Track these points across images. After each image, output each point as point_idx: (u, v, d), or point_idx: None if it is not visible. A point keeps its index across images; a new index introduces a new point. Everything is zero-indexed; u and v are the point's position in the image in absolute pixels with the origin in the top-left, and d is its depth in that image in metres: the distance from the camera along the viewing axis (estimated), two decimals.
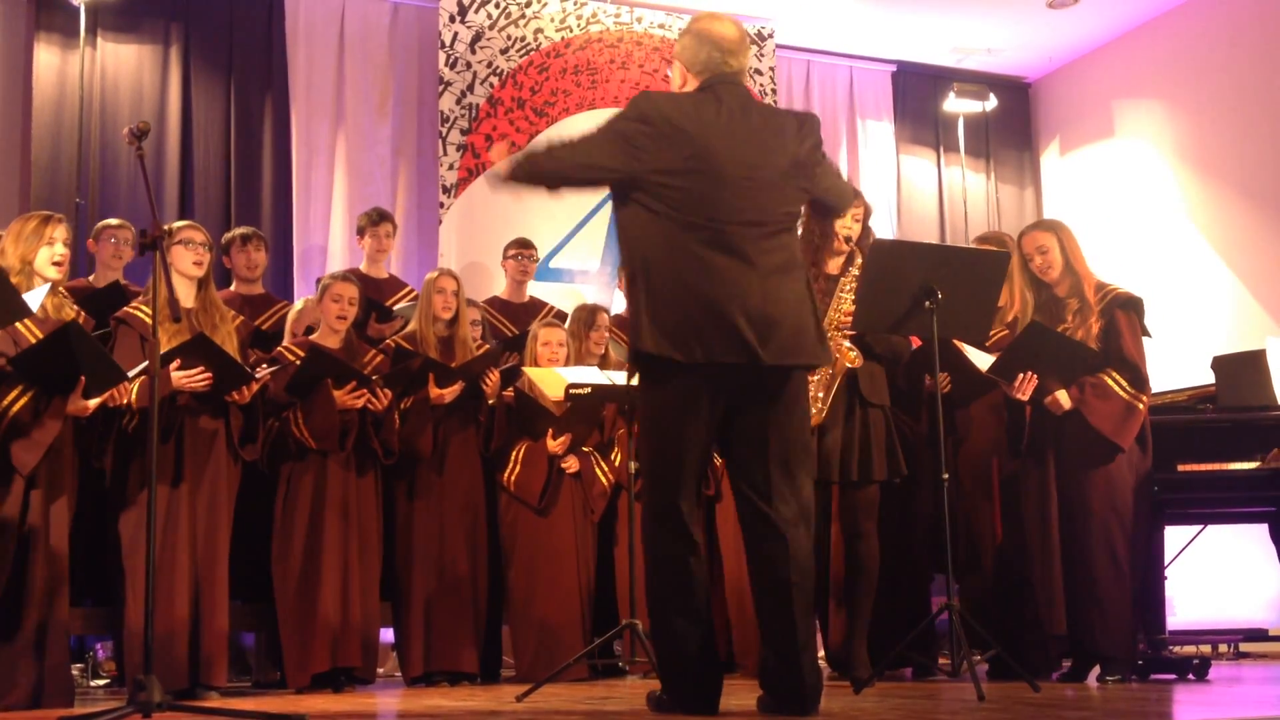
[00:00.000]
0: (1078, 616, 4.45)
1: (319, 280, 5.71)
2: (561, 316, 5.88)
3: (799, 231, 3.45)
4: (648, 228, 3.25)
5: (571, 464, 5.30)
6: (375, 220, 6.19)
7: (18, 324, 4.06)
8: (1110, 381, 4.46)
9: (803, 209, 3.53)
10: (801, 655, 3.18)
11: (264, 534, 4.92)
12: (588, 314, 5.66)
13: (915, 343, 4.81)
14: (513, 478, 5.24)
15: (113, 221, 5.61)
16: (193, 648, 4.47)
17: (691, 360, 3.17)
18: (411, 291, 6.19)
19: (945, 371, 4.47)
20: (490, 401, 5.26)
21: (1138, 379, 4.47)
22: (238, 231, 5.89)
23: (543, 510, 5.23)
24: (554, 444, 5.25)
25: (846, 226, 4.57)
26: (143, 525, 4.30)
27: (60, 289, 4.33)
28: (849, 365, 4.40)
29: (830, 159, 3.57)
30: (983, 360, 4.56)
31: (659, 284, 3.22)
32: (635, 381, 3.44)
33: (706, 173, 3.22)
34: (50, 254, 4.19)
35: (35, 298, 3.95)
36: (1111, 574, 4.41)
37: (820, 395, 4.40)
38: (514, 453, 5.27)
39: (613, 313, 6.03)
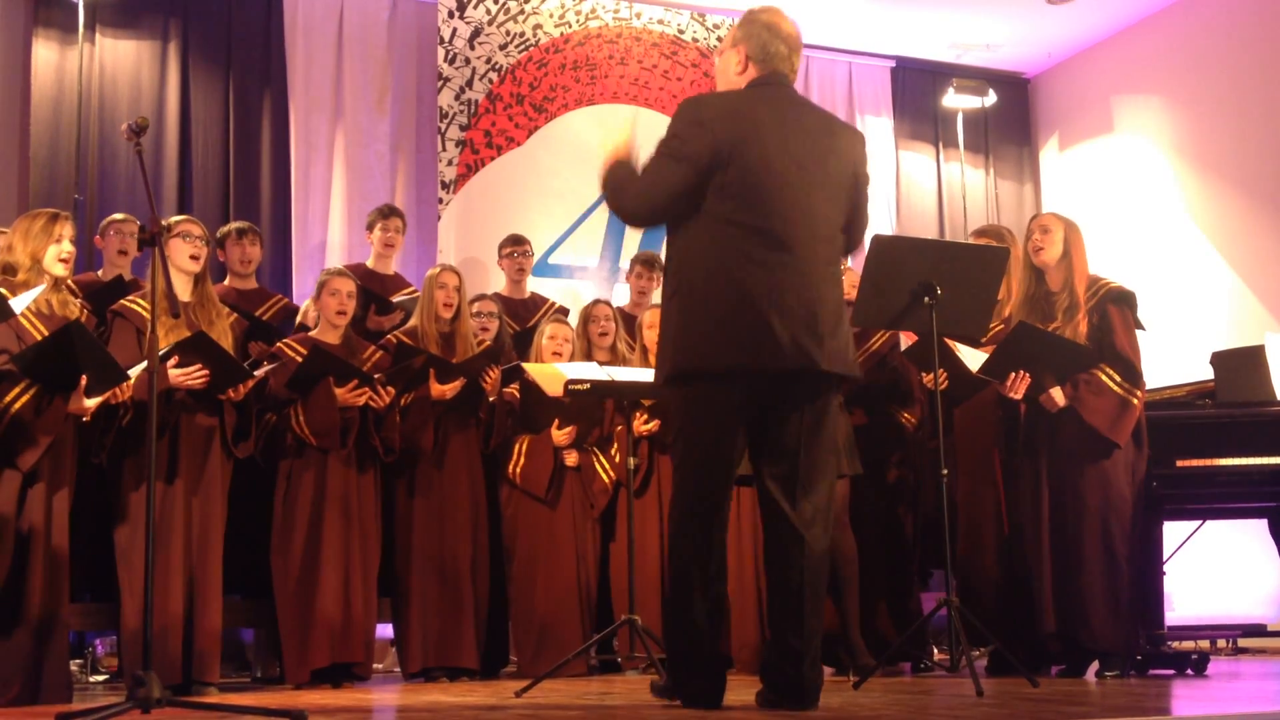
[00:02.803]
0: (1072, 613, 4.45)
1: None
2: (564, 312, 5.88)
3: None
4: (697, 231, 3.22)
5: (573, 456, 5.30)
6: (386, 214, 6.20)
7: (23, 321, 4.07)
8: (1104, 377, 4.45)
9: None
10: (805, 652, 3.20)
11: (262, 530, 4.92)
12: (586, 309, 5.64)
13: (911, 338, 4.81)
14: (518, 470, 5.24)
15: (118, 216, 5.61)
16: (187, 644, 4.47)
17: (732, 368, 3.15)
18: (414, 290, 6.19)
19: (941, 368, 4.48)
20: (491, 399, 5.26)
21: (1131, 374, 4.46)
22: (233, 226, 5.87)
23: (547, 503, 5.23)
24: (559, 435, 5.25)
25: None
26: (139, 522, 4.30)
27: (65, 286, 4.34)
28: None
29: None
30: (974, 359, 4.56)
31: (705, 292, 3.18)
32: (672, 393, 3.36)
33: (758, 169, 3.20)
34: (58, 251, 4.21)
35: (22, 302, 3.93)
36: (1106, 570, 4.41)
37: None
38: (517, 445, 5.27)
39: (615, 305, 6.01)
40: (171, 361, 4.33)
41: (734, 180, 3.19)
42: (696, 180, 3.21)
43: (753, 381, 3.18)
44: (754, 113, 3.27)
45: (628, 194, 3.30)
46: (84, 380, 4.01)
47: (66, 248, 4.23)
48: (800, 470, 3.24)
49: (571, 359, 5.27)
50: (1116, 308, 4.52)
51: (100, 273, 5.51)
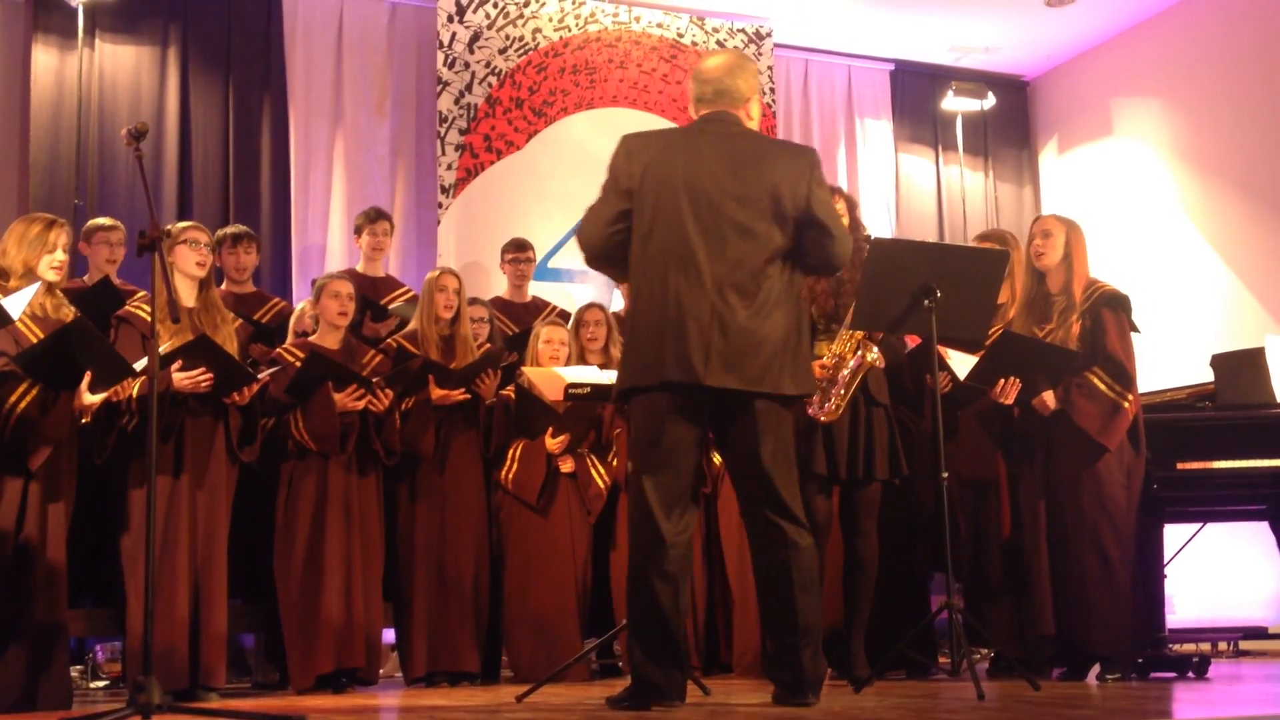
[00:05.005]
0: (1070, 616, 4.45)
1: (314, 282, 5.70)
2: (565, 316, 5.87)
3: (782, 259, 3.46)
4: (634, 259, 3.46)
5: (567, 463, 5.29)
6: (373, 218, 6.20)
7: (18, 324, 4.06)
8: (1095, 380, 4.45)
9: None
10: (801, 642, 3.31)
11: (264, 535, 4.91)
12: (577, 313, 5.64)
13: (913, 341, 4.81)
14: (510, 476, 5.24)
15: (104, 222, 5.57)
16: (193, 649, 4.46)
17: (649, 382, 3.36)
18: (407, 291, 6.18)
19: (943, 371, 4.48)
20: (489, 402, 5.26)
21: (1123, 377, 4.45)
22: (228, 231, 5.81)
23: (539, 509, 5.23)
24: (552, 443, 5.24)
25: None
26: (142, 526, 4.30)
27: (57, 290, 4.33)
28: (874, 364, 4.39)
29: (831, 202, 3.60)
30: (963, 365, 4.55)
31: (635, 317, 3.46)
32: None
33: (674, 198, 3.40)
34: (51, 260, 4.20)
35: (18, 302, 3.93)
36: (1102, 574, 4.41)
37: (841, 392, 4.37)
38: (511, 451, 5.27)
39: (612, 309, 6.00)
40: (175, 365, 4.32)
41: (648, 207, 3.42)
42: (627, 207, 3.45)
43: (674, 396, 3.35)
44: (673, 145, 3.51)
45: (580, 232, 3.58)
46: (88, 377, 4.00)
47: (60, 256, 4.21)
48: (760, 478, 3.39)
49: (568, 363, 5.27)
50: (1110, 310, 4.52)
51: (86, 278, 5.44)
